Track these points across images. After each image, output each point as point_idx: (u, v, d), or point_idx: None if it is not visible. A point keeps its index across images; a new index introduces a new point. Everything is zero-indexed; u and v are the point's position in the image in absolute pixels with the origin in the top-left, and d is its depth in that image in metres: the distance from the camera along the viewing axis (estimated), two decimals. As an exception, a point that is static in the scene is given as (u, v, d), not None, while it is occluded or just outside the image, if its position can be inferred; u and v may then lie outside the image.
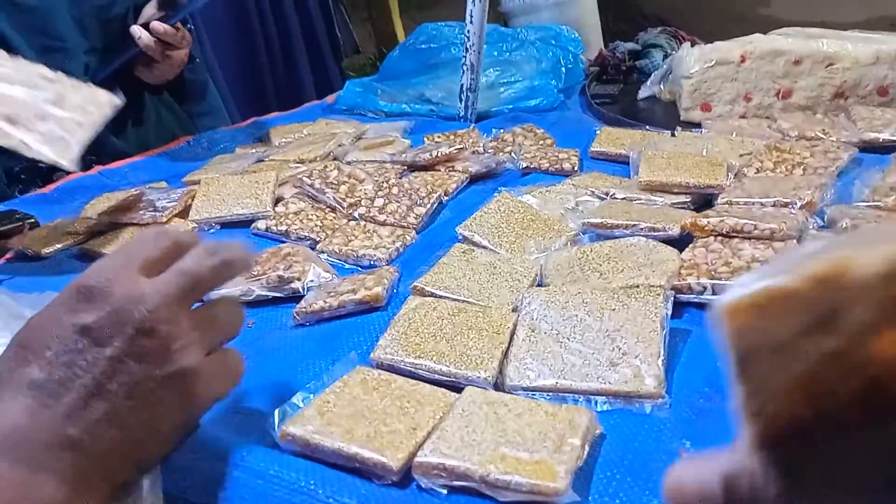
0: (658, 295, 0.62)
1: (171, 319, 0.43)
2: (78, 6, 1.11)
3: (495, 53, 1.35)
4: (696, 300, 0.65)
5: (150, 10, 1.08)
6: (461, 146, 1.05)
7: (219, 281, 0.49)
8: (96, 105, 0.79)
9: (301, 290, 0.74)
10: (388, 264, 0.80)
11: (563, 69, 1.34)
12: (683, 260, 0.68)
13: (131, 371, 0.42)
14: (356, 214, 0.90)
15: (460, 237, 0.79)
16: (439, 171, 1.01)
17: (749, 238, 0.70)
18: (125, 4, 1.15)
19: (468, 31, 1.18)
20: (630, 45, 1.42)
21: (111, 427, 0.41)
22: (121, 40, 1.11)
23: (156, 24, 1.02)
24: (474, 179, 1.00)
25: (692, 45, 1.24)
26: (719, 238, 0.71)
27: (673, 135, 1.04)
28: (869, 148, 0.95)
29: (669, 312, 0.61)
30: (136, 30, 1.03)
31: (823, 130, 0.99)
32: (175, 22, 1.04)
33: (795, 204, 0.76)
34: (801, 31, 1.14)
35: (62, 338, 0.42)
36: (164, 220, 0.92)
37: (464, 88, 1.23)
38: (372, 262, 0.80)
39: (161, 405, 0.43)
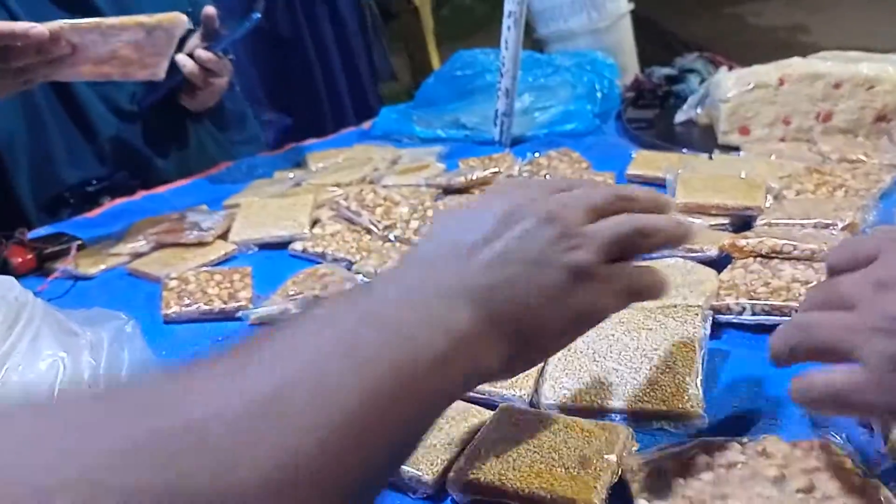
0: (696, 315, 0.61)
1: (575, 219, 0.43)
2: None
3: (530, 79, 1.36)
4: (735, 321, 0.64)
5: (194, 41, 1.12)
6: (495, 170, 1.06)
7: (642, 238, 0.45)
8: None
9: (337, 308, 0.74)
10: (423, 284, 0.80)
11: (599, 94, 1.34)
12: (722, 280, 0.68)
13: (530, 249, 0.41)
14: (391, 236, 0.91)
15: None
16: (473, 194, 1.02)
17: (789, 259, 0.69)
18: None
19: (503, 57, 1.20)
20: (666, 71, 1.42)
21: (511, 292, 0.40)
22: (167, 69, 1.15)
23: (200, 53, 1.06)
24: (509, 202, 1.01)
25: (729, 70, 1.23)
26: (759, 259, 0.70)
27: (710, 157, 1.04)
28: (913, 170, 0.93)
29: (708, 332, 0.60)
30: (182, 58, 1.07)
31: (865, 153, 0.97)
32: (218, 50, 1.08)
33: (837, 225, 0.75)
34: (841, 54, 1.12)
35: (472, 214, 0.44)
36: (210, 239, 0.95)
37: (499, 113, 1.24)
38: (407, 283, 0.81)
39: (550, 294, 0.41)
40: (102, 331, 0.62)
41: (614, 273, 0.44)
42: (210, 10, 1.08)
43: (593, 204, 0.44)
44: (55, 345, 0.59)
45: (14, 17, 1.04)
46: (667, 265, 0.71)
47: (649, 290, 0.46)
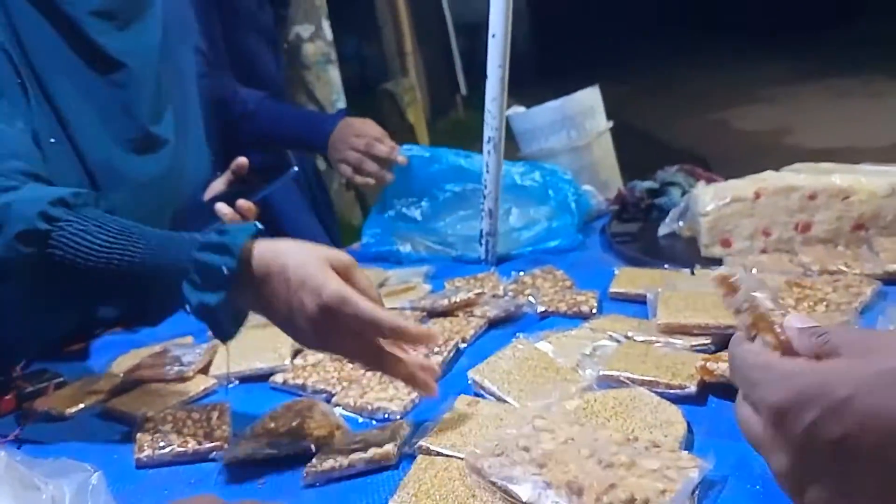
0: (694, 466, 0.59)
1: None
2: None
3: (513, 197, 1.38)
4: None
5: (218, 185, 1.15)
6: (480, 291, 1.06)
7: None
8: None
9: (312, 447, 0.72)
10: (402, 417, 0.78)
11: (580, 209, 1.36)
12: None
13: None
14: (374, 365, 0.90)
15: (471, 381, 0.79)
16: (458, 316, 1.02)
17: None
18: None
19: (485, 180, 1.23)
20: (648, 184, 1.44)
21: None
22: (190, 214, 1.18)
23: (243, 203, 1.09)
24: (493, 324, 1.00)
25: (707, 183, 1.26)
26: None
27: (692, 273, 1.04)
28: (894, 280, 0.92)
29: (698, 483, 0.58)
30: (222, 206, 1.09)
31: (846, 263, 0.97)
32: (256, 199, 1.12)
33: (819, 343, 0.73)
34: (813, 166, 1.15)
35: None
36: (191, 374, 0.94)
37: (483, 233, 1.26)
38: (386, 416, 0.79)
39: None
40: (65, 484, 0.60)
41: None
42: (242, 160, 1.14)
43: None
44: (13, 502, 0.57)
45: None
46: (632, 397, 0.70)
47: None
